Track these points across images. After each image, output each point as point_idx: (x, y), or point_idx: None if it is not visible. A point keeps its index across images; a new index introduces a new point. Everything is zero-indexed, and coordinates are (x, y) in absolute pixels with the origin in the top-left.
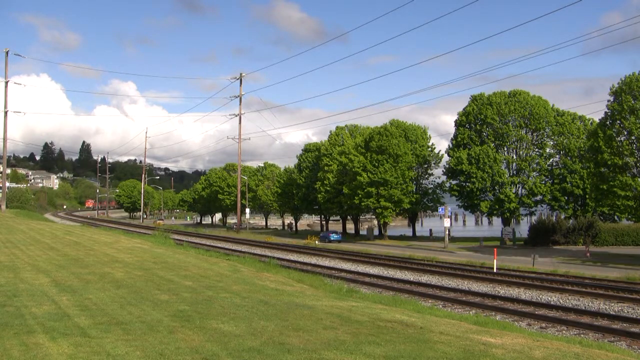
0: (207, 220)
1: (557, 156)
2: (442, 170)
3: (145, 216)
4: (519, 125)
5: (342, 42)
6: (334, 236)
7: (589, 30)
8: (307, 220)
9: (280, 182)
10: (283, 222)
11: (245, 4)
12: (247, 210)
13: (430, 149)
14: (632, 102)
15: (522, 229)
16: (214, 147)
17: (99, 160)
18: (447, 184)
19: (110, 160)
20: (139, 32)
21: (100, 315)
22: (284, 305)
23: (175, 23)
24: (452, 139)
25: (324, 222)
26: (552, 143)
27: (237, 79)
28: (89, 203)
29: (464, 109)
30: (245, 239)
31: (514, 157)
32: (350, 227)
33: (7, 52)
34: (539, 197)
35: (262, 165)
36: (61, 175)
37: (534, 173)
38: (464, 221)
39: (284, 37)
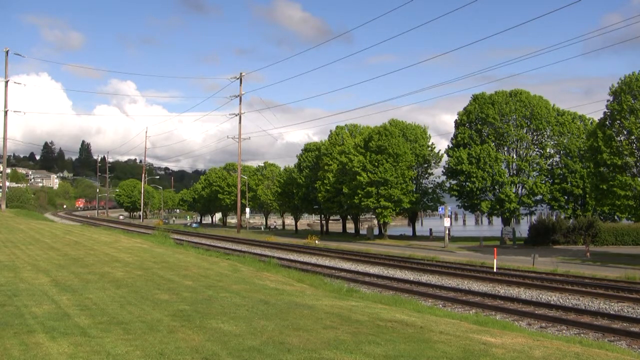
0: (207, 219)
1: (557, 156)
2: (442, 171)
3: (145, 215)
4: (520, 124)
5: (345, 42)
6: (194, 224)
7: (589, 30)
8: (307, 220)
9: (280, 182)
10: (283, 222)
11: (248, 4)
12: (247, 210)
13: (430, 148)
14: (632, 102)
15: (522, 228)
16: (214, 146)
17: (99, 159)
18: (447, 184)
19: (111, 160)
20: (142, 32)
21: (100, 314)
22: (284, 304)
23: (178, 23)
24: (452, 139)
25: (324, 222)
26: (552, 143)
27: (238, 79)
28: (80, 202)
29: (464, 108)
30: (245, 239)
31: (514, 156)
32: (350, 226)
33: (7, 52)
34: (539, 197)
35: (262, 164)
36: (61, 175)
37: (534, 173)
38: (464, 221)
39: (287, 37)
